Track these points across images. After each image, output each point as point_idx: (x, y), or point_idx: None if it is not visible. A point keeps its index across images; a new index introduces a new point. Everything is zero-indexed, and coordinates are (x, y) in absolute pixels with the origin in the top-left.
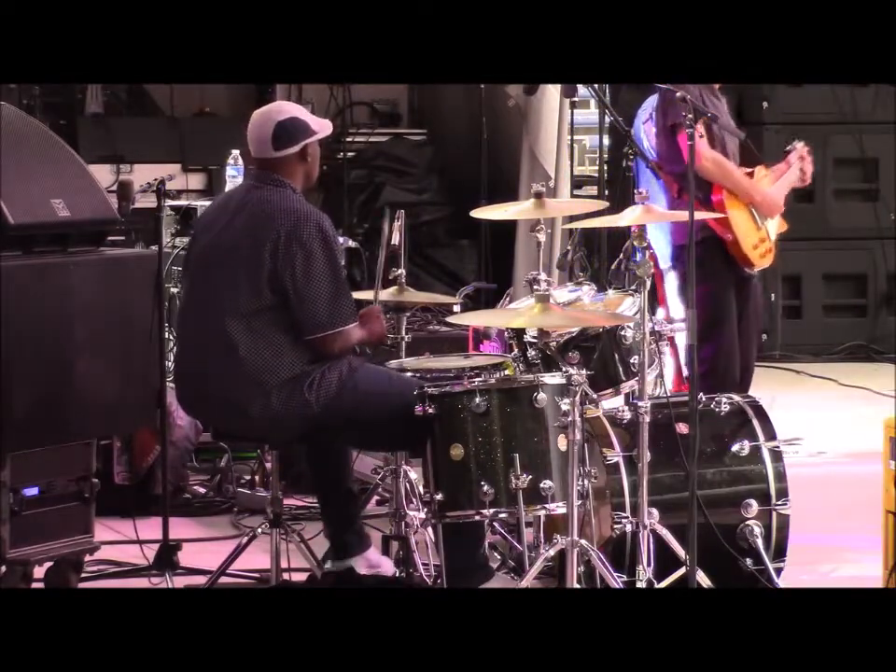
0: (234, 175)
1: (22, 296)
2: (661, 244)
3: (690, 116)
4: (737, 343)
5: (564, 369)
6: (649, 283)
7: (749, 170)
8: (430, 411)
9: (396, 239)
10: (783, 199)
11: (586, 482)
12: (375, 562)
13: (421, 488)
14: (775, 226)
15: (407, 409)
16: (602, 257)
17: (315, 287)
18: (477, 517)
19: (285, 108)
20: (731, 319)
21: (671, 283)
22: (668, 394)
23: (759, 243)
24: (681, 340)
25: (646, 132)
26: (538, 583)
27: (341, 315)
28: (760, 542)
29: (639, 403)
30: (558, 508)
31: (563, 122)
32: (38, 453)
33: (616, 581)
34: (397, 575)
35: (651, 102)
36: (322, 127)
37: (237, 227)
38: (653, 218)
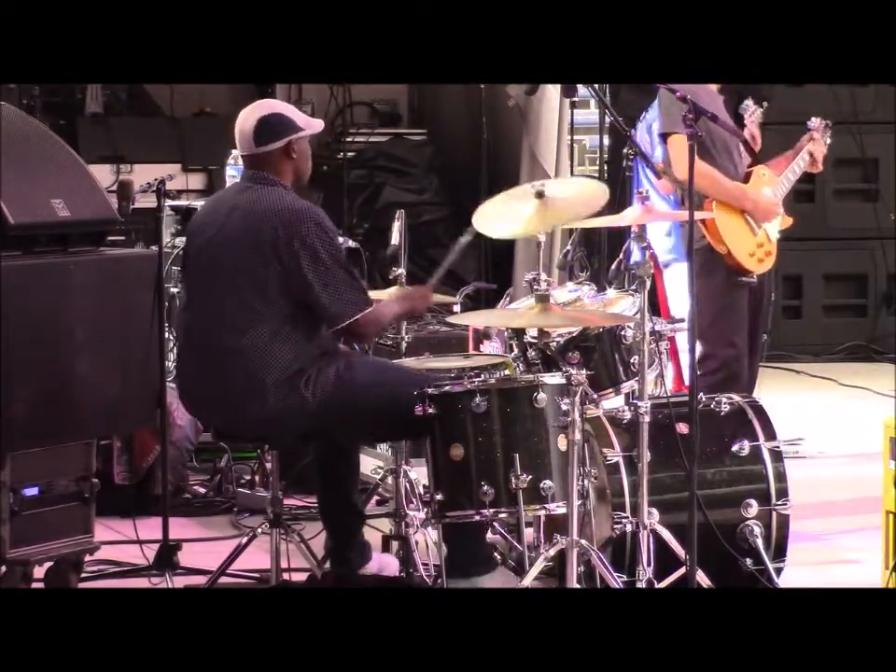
0: (234, 175)
1: (22, 296)
2: (661, 239)
3: (690, 116)
4: (747, 344)
5: (564, 369)
6: (649, 283)
7: (748, 170)
8: (430, 411)
9: (396, 239)
10: (782, 196)
11: (586, 482)
12: (377, 570)
13: (421, 488)
14: (775, 226)
15: (407, 399)
16: (602, 257)
17: (324, 283)
18: (477, 517)
19: (268, 104)
20: (743, 321)
21: (673, 279)
22: (668, 394)
23: (756, 249)
24: (682, 341)
25: (647, 130)
26: (538, 583)
27: (356, 302)
28: (760, 542)
29: (639, 403)
30: (558, 508)
31: (563, 122)
32: (38, 453)
33: (616, 581)
34: (397, 575)
35: (656, 104)
36: (309, 125)
37: (232, 228)
38: (653, 218)
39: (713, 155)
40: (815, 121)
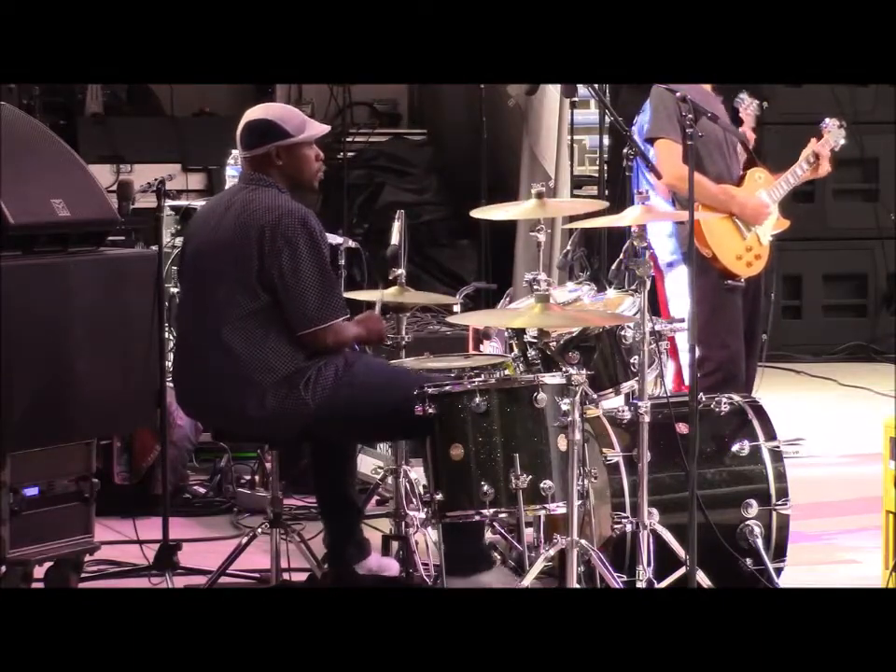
0: (234, 175)
1: (22, 296)
2: (662, 241)
3: (690, 116)
4: (744, 346)
5: (564, 369)
6: (649, 283)
7: (743, 172)
8: (430, 411)
9: (396, 239)
10: (778, 199)
11: (586, 482)
12: (375, 569)
13: (421, 488)
14: (768, 228)
15: (406, 399)
16: (602, 257)
17: (302, 283)
18: (477, 517)
19: (262, 109)
20: (737, 322)
21: (675, 281)
22: (668, 394)
23: (744, 252)
24: (682, 341)
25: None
26: (538, 583)
27: (330, 310)
28: (760, 542)
29: (639, 403)
30: (558, 508)
31: (563, 122)
32: (38, 453)
33: (616, 581)
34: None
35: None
36: (301, 131)
37: (226, 227)
38: (653, 218)
39: (702, 157)
40: (828, 121)
